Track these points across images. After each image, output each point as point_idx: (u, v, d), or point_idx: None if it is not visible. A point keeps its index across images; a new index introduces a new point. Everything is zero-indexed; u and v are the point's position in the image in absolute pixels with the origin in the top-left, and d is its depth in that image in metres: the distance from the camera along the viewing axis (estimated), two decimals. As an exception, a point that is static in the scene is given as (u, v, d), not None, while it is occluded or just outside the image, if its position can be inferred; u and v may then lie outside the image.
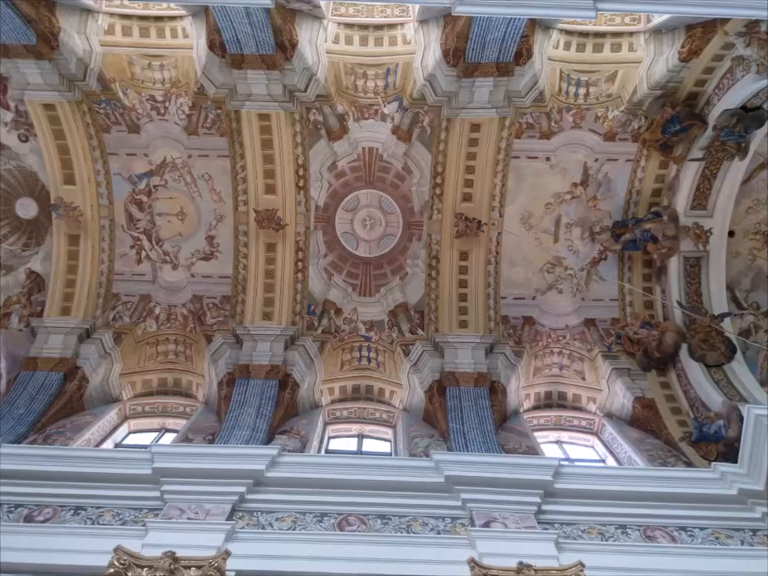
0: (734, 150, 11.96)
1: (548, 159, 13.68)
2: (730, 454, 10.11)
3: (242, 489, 8.85)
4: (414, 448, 11.68)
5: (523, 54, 11.91)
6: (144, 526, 8.13)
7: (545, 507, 8.86)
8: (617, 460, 11.93)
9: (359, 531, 8.49)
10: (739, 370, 11.83)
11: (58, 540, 7.90)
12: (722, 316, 12.59)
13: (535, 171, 13.77)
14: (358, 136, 13.61)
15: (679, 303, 12.86)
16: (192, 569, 7.22)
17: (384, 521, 8.68)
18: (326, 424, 13.25)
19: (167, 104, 13.26)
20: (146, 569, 7.18)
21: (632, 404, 12.51)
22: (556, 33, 12.10)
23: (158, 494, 8.76)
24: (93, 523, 8.40)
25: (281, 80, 12.50)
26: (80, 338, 13.10)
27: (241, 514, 8.65)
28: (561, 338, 13.93)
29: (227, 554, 7.47)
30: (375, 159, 13.87)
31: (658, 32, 11.84)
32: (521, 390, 13.53)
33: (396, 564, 7.78)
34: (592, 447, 12.91)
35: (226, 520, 8.34)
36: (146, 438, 12.65)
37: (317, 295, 14.25)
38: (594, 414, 13.35)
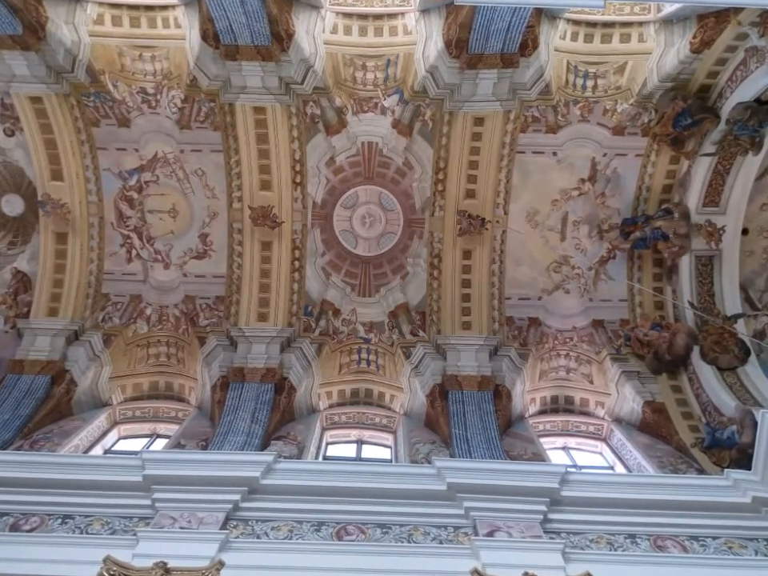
0: (747, 144, 11.81)
1: (554, 154, 13.54)
2: (743, 460, 9.96)
3: (237, 497, 8.72)
4: (415, 454, 11.57)
5: (529, 45, 11.73)
6: (134, 535, 8.06)
7: (551, 516, 8.76)
8: (626, 467, 11.86)
9: (358, 541, 8.38)
10: (753, 373, 11.69)
11: (45, 550, 7.83)
12: (736, 317, 12.43)
13: (541, 167, 13.64)
14: (357, 130, 13.43)
15: (691, 304, 12.73)
16: (184, 579, 7.22)
17: (384, 530, 8.56)
18: (323, 429, 13.15)
19: (159, 97, 13.09)
20: (136, 580, 7.13)
21: (642, 408, 12.38)
22: (563, 23, 11.93)
23: (149, 502, 8.64)
24: (81, 532, 8.28)
25: (277, 72, 12.34)
26: (68, 339, 12.94)
27: (235, 523, 8.53)
28: (568, 339, 13.81)
29: (221, 564, 7.43)
30: (375, 154, 13.70)
31: (668, 22, 11.67)
32: (526, 393, 13.41)
33: (396, 575, 7.74)
34: (600, 453, 12.83)
35: (220, 529, 8.24)
36: (136, 444, 12.55)
37: (314, 295, 14.09)
38: (603, 418, 13.24)
